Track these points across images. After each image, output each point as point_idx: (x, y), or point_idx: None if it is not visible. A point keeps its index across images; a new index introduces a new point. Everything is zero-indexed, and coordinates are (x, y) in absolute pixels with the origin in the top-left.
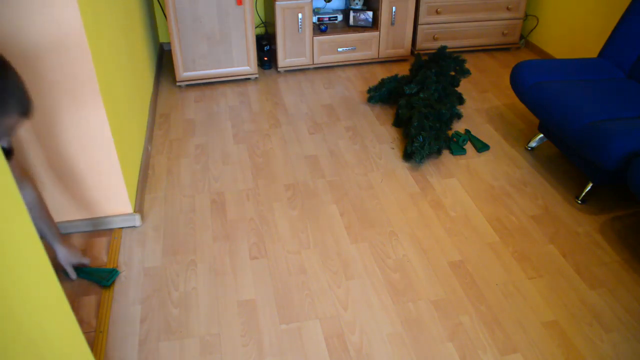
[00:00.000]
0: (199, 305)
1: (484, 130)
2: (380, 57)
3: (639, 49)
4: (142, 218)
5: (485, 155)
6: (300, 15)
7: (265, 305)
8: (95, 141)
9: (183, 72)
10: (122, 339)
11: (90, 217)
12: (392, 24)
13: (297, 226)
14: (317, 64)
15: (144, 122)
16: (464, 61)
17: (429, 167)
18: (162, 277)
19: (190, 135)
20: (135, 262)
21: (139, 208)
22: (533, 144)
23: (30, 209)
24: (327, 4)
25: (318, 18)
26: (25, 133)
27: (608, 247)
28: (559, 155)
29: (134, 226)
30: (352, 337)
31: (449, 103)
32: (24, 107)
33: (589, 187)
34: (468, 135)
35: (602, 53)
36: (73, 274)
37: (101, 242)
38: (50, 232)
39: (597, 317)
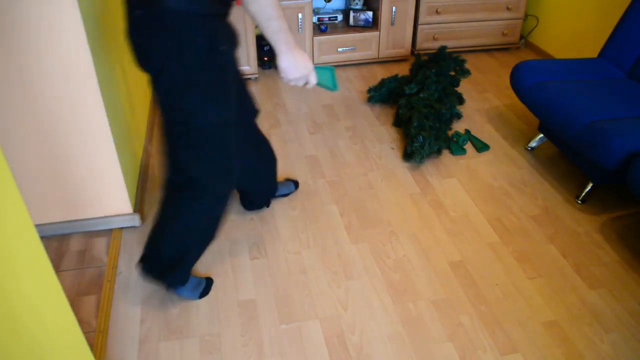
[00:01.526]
0: (199, 305)
1: (484, 130)
2: (380, 57)
3: (639, 49)
4: (142, 218)
5: (485, 155)
6: (300, 15)
7: (265, 305)
8: (95, 141)
9: None
10: (122, 339)
11: (90, 217)
12: (392, 24)
13: (297, 226)
14: (317, 63)
15: (144, 122)
16: (464, 61)
17: (429, 167)
18: None
19: None
20: (136, 262)
21: (139, 208)
22: (533, 144)
23: None
24: (327, 4)
25: (318, 18)
26: (25, 133)
27: (608, 247)
28: (559, 155)
29: (134, 226)
30: (352, 337)
31: (449, 103)
32: None
33: (589, 187)
34: (468, 135)
35: (602, 53)
36: None
37: (101, 242)
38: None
39: (597, 317)
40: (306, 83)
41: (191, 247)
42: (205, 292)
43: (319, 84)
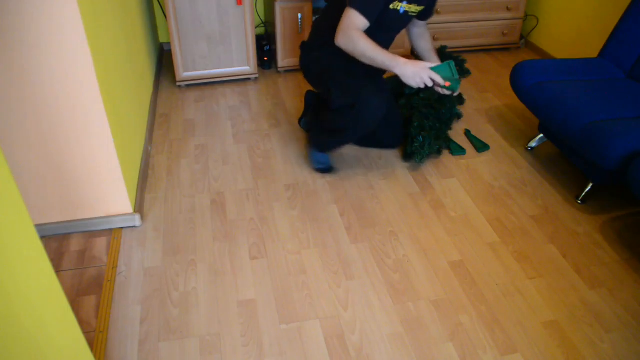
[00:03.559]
0: (199, 305)
1: (484, 130)
2: None
3: (639, 49)
4: (142, 218)
5: (485, 155)
6: (300, 15)
7: (265, 305)
8: (95, 141)
9: (183, 72)
10: (122, 339)
11: (90, 217)
12: None
13: (297, 226)
14: None
15: (144, 122)
16: (464, 61)
17: (429, 167)
18: (162, 277)
19: (190, 135)
20: (135, 262)
21: (139, 208)
22: (533, 144)
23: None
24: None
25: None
26: (25, 133)
27: (608, 247)
28: (559, 155)
29: (134, 226)
30: (352, 337)
31: (449, 103)
32: None
33: (589, 187)
34: (468, 136)
35: (602, 53)
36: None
37: (101, 242)
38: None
39: (597, 317)
40: (434, 83)
41: (340, 131)
42: (323, 170)
43: (445, 78)
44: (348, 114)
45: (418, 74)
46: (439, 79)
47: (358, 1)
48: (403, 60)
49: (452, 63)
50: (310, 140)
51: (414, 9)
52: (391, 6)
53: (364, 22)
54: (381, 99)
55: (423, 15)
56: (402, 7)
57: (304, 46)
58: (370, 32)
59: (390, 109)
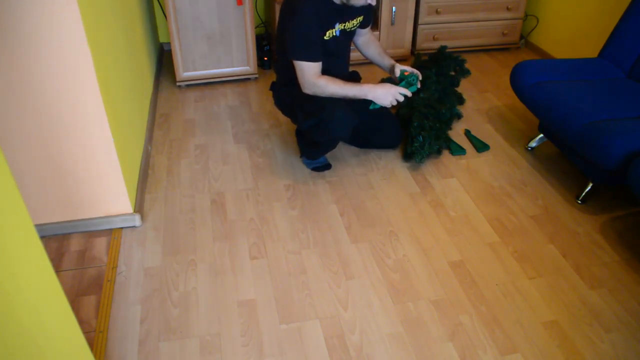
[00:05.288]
0: (199, 305)
1: (484, 130)
2: None
3: (639, 49)
4: (142, 218)
5: (485, 155)
6: None
7: (265, 305)
8: (95, 141)
9: (183, 72)
10: (122, 339)
11: (90, 217)
12: (392, 23)
13: (297, 226)
14: None
15: (144, 122)
16: (464, 61)
17: (429, 167)
18: (162, 277)
19: (190, 135)
20: (135, 262)
21: (139, 208)
22: (533, 144)
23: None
24: None
25: None
26: (25, 133)
27: (608, 247)
28: (559, 155)
29: (134, 226)
30: (352, 337)
31: (449, 103)
32: None
33: (589, 187)
34: (468, 136)
35: (602, 53)
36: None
37: (101, 242)
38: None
39: (597, 317)
40: (405, 97)
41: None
42: (318, 169)
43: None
44: (317, 132)
45: (389, 93)
46: (406, 92)
47: (298, 52)
48: (371, 86)
49: (410, 78)
50: (300, 150)
51: (351, 23)
52: (326, 37)
53: (316, 65)
54: (344, 111)
55: (364, 24)
56: (337, 30)
57: (273, 86)
58: (324, 66)
59: (377, 113)
